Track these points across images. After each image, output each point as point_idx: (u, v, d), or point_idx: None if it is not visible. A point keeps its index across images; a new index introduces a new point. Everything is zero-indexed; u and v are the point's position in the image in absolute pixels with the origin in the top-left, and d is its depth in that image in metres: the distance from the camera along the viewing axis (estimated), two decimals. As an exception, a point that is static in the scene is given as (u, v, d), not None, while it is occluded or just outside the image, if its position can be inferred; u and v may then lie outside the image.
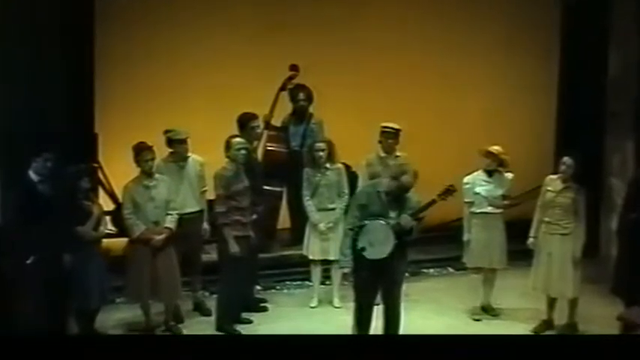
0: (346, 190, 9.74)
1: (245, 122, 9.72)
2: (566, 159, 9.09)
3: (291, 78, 10.72)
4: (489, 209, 9.47)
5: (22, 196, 8.44)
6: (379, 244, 8.09)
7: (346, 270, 8.35)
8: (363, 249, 8.11)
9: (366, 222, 8.12)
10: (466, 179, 9.50)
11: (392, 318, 8.36)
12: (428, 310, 9.75)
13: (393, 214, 8.15)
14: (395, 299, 8.35)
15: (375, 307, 8.47)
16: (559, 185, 9.12)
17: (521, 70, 11.66)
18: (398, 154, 9.79)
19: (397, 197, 8.18)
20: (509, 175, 9.52)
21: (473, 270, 9.71)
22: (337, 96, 11.01)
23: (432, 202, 8.14)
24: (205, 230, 9.57)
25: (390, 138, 9.83)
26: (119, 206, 9.54)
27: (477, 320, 9.60)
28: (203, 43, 10.84)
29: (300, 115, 10.72)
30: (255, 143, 10.14)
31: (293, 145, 10.71)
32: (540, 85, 11.74)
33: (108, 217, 9.42)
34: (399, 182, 8.14)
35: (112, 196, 10.30)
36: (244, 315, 9.49)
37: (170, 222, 9.08)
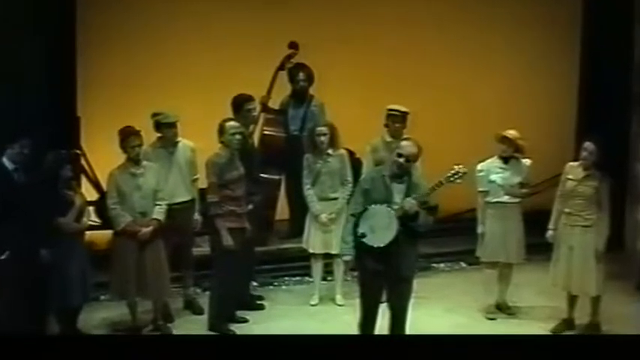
0: (349, 178, 9.71)
1: (240, 104, 9.67)
2: (588, 144, 9.02)
3: (290, 56, 10.69)
4: (505, 199, 9.43)
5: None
6: (381, 230, 8.02)
7: (348, 258, 8.27)
8: (363, 235, 8.04)
9: (368, 207, 8.06)
10: (480, 166, 9.47)
11: (397, 320, 8.25)
12: (438, 308, 9.73)
13: (398, 201, 8.08)
14: (402, 299, 8.22)
15: (382, 304, 8.39)
16: (580, 173, 9.06)
17: (539, 48, 11.66)
18: (405, 138, 9.70)
19: (402, 179, 8.09)
20: (526, 162, 9.48)
21: (487, 265, 9.66)
22: (340, 76, 11.03)
23: (439, 184, 8.06)
24: (197, 222, 9.54)
25: (397, 121, 9.79)
26: (103, 196, 9.52)
27: (492, 319, 9.58)
28: (194, 20, 10.87)
29: (300, 96, 10.71)
30: (251, 127, 10.12)
31: (292, 129, 10.71)
32: (561, 65, 11.75)
33: (91, 208, 9.42)
34: (401, 150, 8.08)
35: (95, 184, 10.32)
36: (239, 313, 9.47)
37: (158, 213, 9.02)
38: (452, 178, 8.07)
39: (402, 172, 8.12)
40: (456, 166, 8.08)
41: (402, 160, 8.10)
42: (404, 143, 8.23)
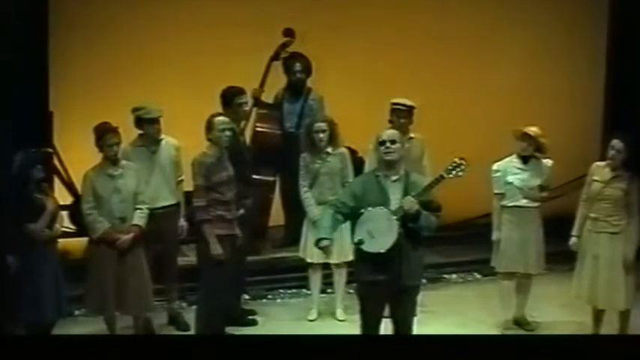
0: (351, 180, 9.62)
1: (230, 98, 9.65)
2: (615, 142, 9.02)
3: (285, 45, 10.72)
4: (524, 202, 9.42)
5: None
6: (381, 234, 7.98)
7: (326, 242, 8.12)
8: (361, 241, 8.01)
9: (364, 210, 8.01)
10: (496, 166, 9.47)
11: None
12: (449, 324, 9.75)
13: (395, 202, 8.00)
14: (406, 312, 8.18)
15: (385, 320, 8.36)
16: (608, 174, 9.05)
17: (561, 36, 11.75)
18: (412, 135, 9.75)
19: (398, 177, 8.03)
20: (547, 162, 9.47)
21: (504, 276, 9.64)
22: (340, 67, 11.08)
23: (440, 179, 8.00)
24: (182, 228, 9.55)
25: (402, 117, 9.77)
26: (78, 200, 9.53)
27: (509, 336, 9.54)
28: (178, 5, 10.96)
29: (297, 89, 10.75)
30: (243, 123, 10.12)
31: (288, 125, 10.76)
32: (585, 55, 11.81)
33: (65, 213, 9.42)
34: (381, 137, 8.07)
35: (69, 187, 10.35)
36: (229, 330, 9.41)
37: (139, 218, 9.03)
38: (453, 172, 8.01)
39: (394, 161, 8.01)
40: (456, 159, 8.04)
41: (388, 144, 8.00)
42: (382, 132, 8.20)
